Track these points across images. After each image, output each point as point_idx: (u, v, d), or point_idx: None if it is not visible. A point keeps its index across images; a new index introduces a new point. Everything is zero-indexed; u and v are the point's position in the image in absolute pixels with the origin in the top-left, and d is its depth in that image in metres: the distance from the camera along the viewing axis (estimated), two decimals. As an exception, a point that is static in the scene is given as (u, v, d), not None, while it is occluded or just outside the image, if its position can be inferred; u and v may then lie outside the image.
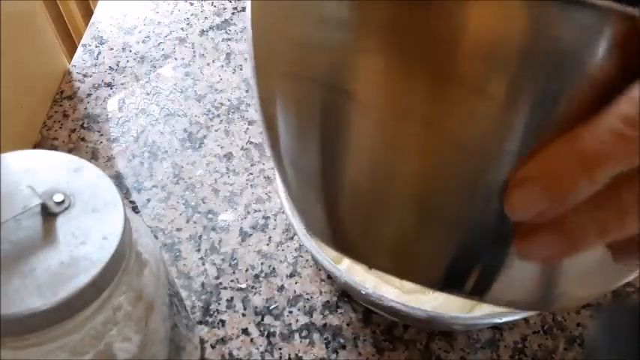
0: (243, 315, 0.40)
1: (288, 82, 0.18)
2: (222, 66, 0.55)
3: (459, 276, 0.19)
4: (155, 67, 0.55)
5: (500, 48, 0.14)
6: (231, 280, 0.41)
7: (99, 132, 0.50)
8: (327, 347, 0.38)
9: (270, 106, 0.19)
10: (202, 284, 0.41)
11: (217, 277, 0.41)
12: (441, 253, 0.19)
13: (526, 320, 0.39)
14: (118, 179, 0.47)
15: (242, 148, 0.49)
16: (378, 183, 0.18)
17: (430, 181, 0.17)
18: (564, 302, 0.20)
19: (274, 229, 0.44)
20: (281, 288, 0.41)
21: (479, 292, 0.19)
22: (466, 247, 0.18)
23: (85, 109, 0.52)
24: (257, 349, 0.38)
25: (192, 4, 0.60)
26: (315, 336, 0.39)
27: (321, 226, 0.21)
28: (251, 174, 0.47)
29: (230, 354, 0.38)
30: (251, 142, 0.49)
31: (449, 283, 0.19)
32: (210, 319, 0.40)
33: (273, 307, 0.40)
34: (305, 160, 0.20)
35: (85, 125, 0.50)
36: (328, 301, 0.40)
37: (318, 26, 0.16)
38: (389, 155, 0.17)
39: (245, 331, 0.39)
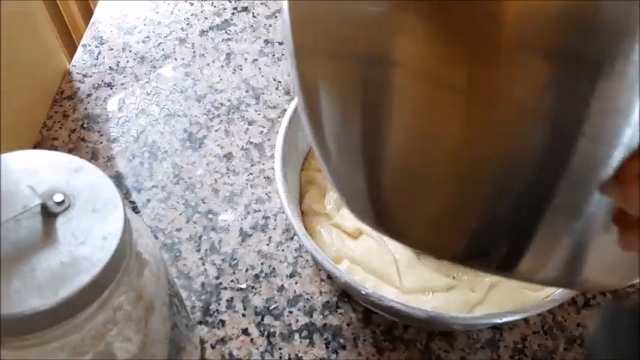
0: (243, 315, 0.40)
1: (331, 62, 0.19)
2: (222, 66, 0.55)
3: (492, 250, 0.19)
4: (155, 67, 0.55)
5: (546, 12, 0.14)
6: (231, 281, 0.41)
7: (99, 132, 0.50)
8: (327, 347, 0.38)
9: (312, 88, 0.20)
10: (202, 284, 0.41)
11: (217, 277, 0.41)
12: (479, 226, 0.19)
13: (526, 320, 0.39)
14: (118, 179, 0.47)
15: (242, 148, 0.49)
16: (422, 155, 0.18)
17: (472, 152, 0.17)
18: (590, 281, 0.20)
19: (274, 229, 0.44)
20: (281, 288, 0.41)
21: (508, 268, 0.19)
22: (505, 221, 0.18)
23: (85, 109, 0.52)
24: (257, 349, 0.38)
25: (192, 5, 0.60)
26: (315, 336, 0.39)
27: (362, 202, 0.21)
28: (251, 174, 0.47)
29: (230, 354, 0.38)
30: (251, 142, 0.49)
31: (483, 256, 0.20)
32: (210, 319, 0.40)
33: (273, 307, 0.40)
34: (349, 136, 0.20)
35: (85, 125, 0.50)
36: (328, 301, 0.40)
37: (358, 4, 0.17)
38: (432, 126, 0.17)
39: (245, 332, 0.39)
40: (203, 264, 0.42)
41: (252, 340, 0.39)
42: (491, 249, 0.19)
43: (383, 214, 0.21)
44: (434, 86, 0.16)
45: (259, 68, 0.54)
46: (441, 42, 0.16)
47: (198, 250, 0.43)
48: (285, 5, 0.19)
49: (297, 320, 0.40)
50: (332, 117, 0.20)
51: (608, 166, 0.16)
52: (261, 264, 0.42)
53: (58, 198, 0.24)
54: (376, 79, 0.17)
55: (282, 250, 0.43)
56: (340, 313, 0.40)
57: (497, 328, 0.39)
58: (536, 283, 0.22)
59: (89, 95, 0.53)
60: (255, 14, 0.59)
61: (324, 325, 0.39)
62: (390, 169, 0.19)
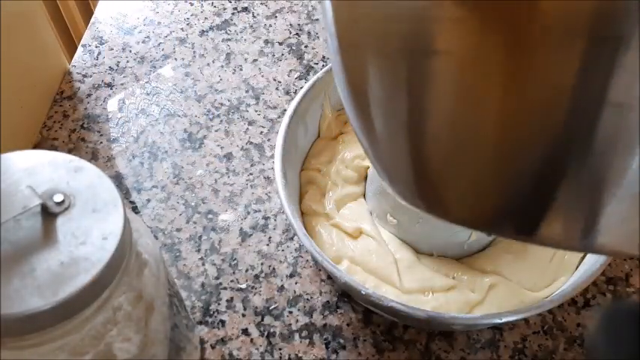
0: (243, 315, 0.40)
1: (377, 56, 0.20)
2: (222, 66, 0.55)
3: (529, 222, 0.20)
4: (155, 67, 0.55)
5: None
6: (231, 281, 0.41)
7: (99, 132, 0.50)
8: (327, 347, 0.38)
9: (359, 81, 0.21)
10: (202, 284, 0.41)
11: (217, 278, 0.41)
12: (520, 201, 0.20)
13: (526, 320, 0.39)
14: (117, 179, 0.47)
15: (242, 149, 0.49)
16: (463, 132, 0.20)
17: (510, 130, 0.18)
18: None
19: (274, 229, 0.44)
20: (281, 288, 0.41)
21: (532, 231, 0.20)
22: (538, 187, 0.20)
23: (85, 109, 0.52)
24: (257, 349, 0.38)
25: (192, 5, 0.60)
26: (315, 336, 0.39)
27: (406, 180, 0.23)
28: (251, 174, 0.47)
29: (230, 354, 0.38)
30: (251, 143, 0.49)
31: (522, 230, 0.21)
32: (210, 320, 0.40)
33: (273, 307, 0.40)
34: (395, 119, 0.21)
35: (85, 125, 0.50)
36: (328, 302, 0.40)
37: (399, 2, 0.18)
38: (472, 105, 0.19)
39: (245, 332, 0.39)
40: (203, 264, 0.42)
41: (252, 340, 0.39)
42: (522, 214, 0.20)
43: (425, 189, 0.23)
44: (475, 69, 0.18)
45: (259, 68, 0.54)
46: (479, 30, 0.17)
47: (198, 251, 0.43)
48: (327, 4, 0.21)
49: (297, 320, 0.40)
50: (380, 103, 0.21)
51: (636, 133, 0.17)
52: (261, 264, 0.42)
53: (58, 198, 0.24)
54: (421, 67, 0.19)
55: (282, 250, 0.43)
56: (340, 314, 0.40)
57: (498, 328, 0.39)
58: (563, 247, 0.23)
59: (89, 95, 0.53)
60: (255, 14, 0.59)
61: (324, 325, 0.39)
62: (434, 144, 0.21)
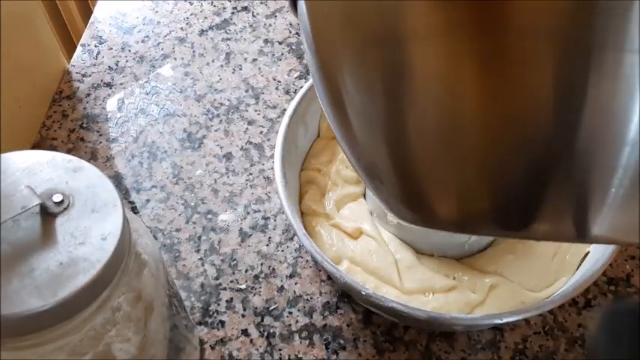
0: (243, 316, 0.40)
1: (351, 50, 0.20)
2: (222, 66, 0.55)
3: (516, 219, 0.20)
4: (154, 66, 0.55)
5: None
6: (231, 281, 0.41)
7: (98, 132, 0.50)
8: (327, 348, 0.38)
9: (334, 78, 0.21)
10: (202, 285, 0.41)
11: (217, 278, 0.41)
12: (503, 200, 0.20)
13: (527, 321, 0.39)
14: (117, 179, 0.47)
15: (242, 148, 0.49)
16: (444, 129, 0.19)
17: (491, 129, 0.18)
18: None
19: (274, 229, 0.44)
20: (281, 289, 0.41)
21: (523, 227, 0.20)
22: (526, 192, 0.19)
23: (84, 109, 0.52)
24: (257, 349, 0.38)
25: (191, 4, 0.60)
26: (315, 337, 0.39)
27: (391, 184, 0.23)
28: (251, 174, 0.47)
29: (230, 355, 0.38)
30: (250, 142, 0.49)
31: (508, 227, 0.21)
32: (209, 320, 0.39)
33: (272, 307, 0.40)
34: (375, 117, 0.21)
35: (84, 125, 0.50)
36: (328, 302, 0.40)
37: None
38: (451, 100, 0.19)
39: (245, 332, 0.39)
40: (202, 264, 0.42)
41: (251, 340, 0.39)
42: (516, 210, 0.20)
43: (411, 194, 0.22)
44: (451, 60, 0.18)
45: (259, 68, 0.54)
46: (455, 23, 0.17)
47: (198, 251, 0.43)
48: (301, 4, 0.21)
49: (296, 321, 0.39)
50: (356, 101, 0.21)
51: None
52: (261, 264, 0.42)
53: (57, 198, 0.24)
54: (397, 59, 0.19)
55: (282, 251, 0.43)
56: (340, 314, 0.40)
57: (498, 328, 0.39)
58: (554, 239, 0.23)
59: (88, 95, 0.53)
60: (254, 14, 0.59)
61: (324, 325, 0.39)
62: (416, 142, 0.21)
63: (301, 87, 0.43)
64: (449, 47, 0.17)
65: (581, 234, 0.20)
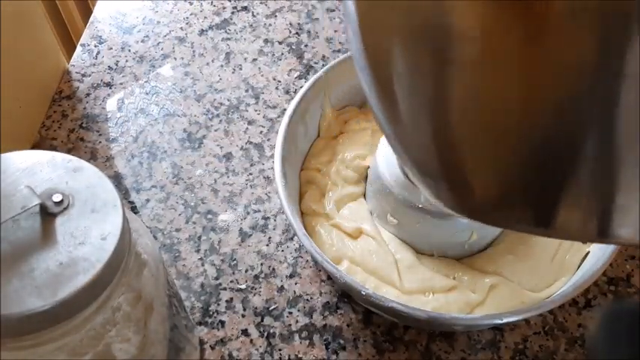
0: (243, 316, 0.40)
1: (400, 37, 0.20)
2: (222, 66, 0.55)
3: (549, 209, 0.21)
4: (154, 66, 0.55)
5: None
6: (231, 281, 0.41)
7: (98, 132, 0.50)
8: (327, 348, 0.38)
9: (382, 64, 0.22)
10: (202, 285, 0.41)
11: (217, 278, 0.41)
12: (540, 188, 0.20)
13: (527, 321, 0.39)
14: (117, 179, 0.47)
15: (241, 148, 0.49)
16: (489, 112, 0.20)
17: (532, 111, 0.19)
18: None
19: (274, 229, 0.44)
20: (281, 289, 0.41)
21: (548, 221, 0.21)
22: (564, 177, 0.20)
23: (84, 108, 0.52)
24: (257, 350, 0.38)
25: (191, 4, 0.60)
26: (315, 337, 0.39)
27: (431, 164, 0.23)
28: (250, 174, 0.47)
29: (230, 355, 0.38)
30: (250, 142, 0.49)
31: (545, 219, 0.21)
32: (209, 320, 0.39)
33: (272, 307, 0.40)
34: (420, 101, 0.21)
35: (84, 125, 0.50)
36: (328, 302, 0.40)
37: None
38: (496, 85, 0.19)
39: (245, 332, 0.39)
40: (202, 264, 0.42)
41: (251, 340, 0.39)
42: (552, 202, 0.21)
43: (453, 176, 0.23)
44: (492, 50, 0.18)
45: (259, 68, 0.54)
46: (499, 15, 0.17)
47: (198, 251, 0.43)
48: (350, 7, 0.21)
49: (296, 321, 0.39)
50: (403, 86, 0.22)
51: None
52: (261, 264, 0.42)
53: (57, 198, 0.24)
54: (444, 46, 0.19)
55: (282, 251, 0.43)
56: (340, 314, 0.40)
57: (498, 328, 0.39)
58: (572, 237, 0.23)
59: (88, 95, 0.53)
60: (254, 13, 0.59)
61: (324, 325, 0.39)
62: (458, 126, 0.21)
63: (301, 87, 0.43)
64: (495, 35, 0.18)
65: (604, 233, 0.21)
